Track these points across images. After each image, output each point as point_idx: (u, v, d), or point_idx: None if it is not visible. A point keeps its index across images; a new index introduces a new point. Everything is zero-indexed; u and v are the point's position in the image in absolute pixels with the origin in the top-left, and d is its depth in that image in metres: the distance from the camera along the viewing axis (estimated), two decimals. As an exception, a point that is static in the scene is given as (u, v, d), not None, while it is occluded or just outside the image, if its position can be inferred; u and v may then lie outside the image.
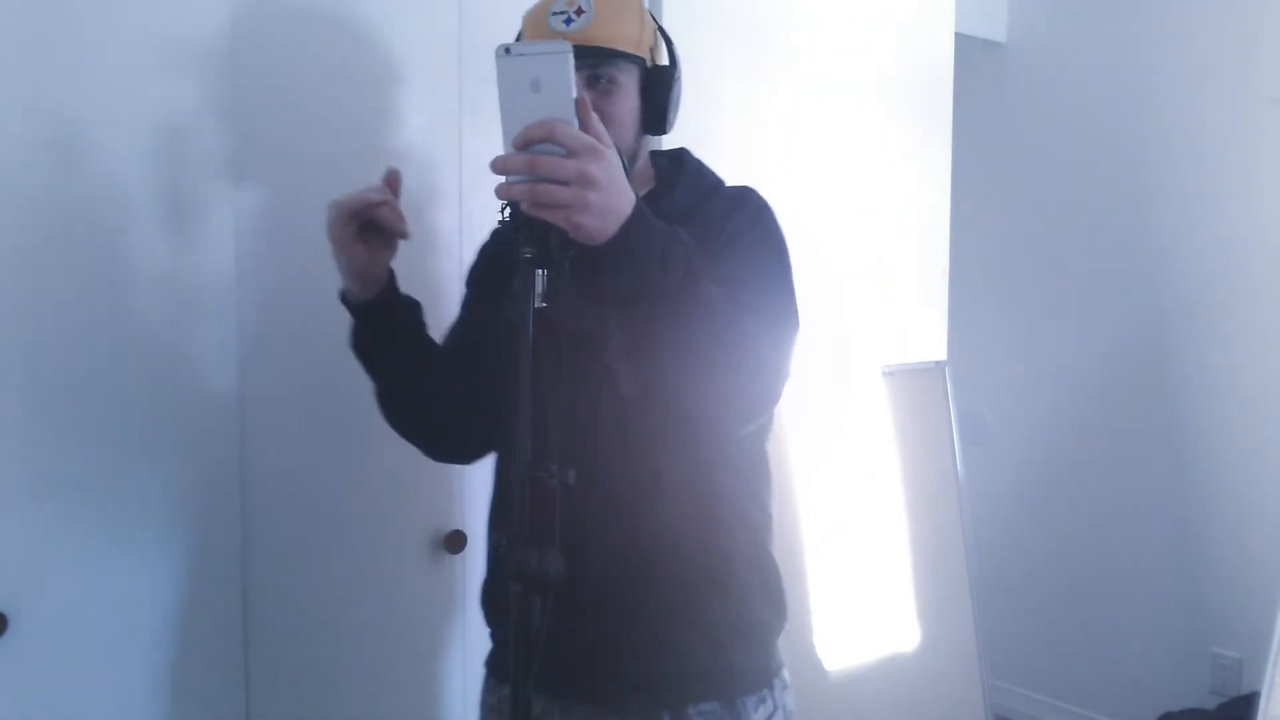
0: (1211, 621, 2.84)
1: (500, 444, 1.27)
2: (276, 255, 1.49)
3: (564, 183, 0.87)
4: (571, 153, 0.87)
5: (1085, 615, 3.10)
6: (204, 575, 1.44)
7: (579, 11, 1.13)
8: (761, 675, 1.22)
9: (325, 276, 1.53)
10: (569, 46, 0.88)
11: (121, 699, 1.38)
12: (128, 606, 1.38)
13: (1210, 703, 2.78)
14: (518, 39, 1.24)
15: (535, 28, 1.17)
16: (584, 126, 0.89)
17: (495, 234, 1.38)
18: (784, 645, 1.29)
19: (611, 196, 0.89)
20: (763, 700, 1.21)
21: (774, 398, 1.07)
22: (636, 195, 0.94)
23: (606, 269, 0.92)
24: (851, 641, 2.17)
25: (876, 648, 2.22)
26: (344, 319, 1.38)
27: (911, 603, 2.30)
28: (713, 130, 2.00)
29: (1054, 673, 3.17)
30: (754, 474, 1.24)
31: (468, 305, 1.35)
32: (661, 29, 1.25)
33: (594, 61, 1.13)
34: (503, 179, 0.89)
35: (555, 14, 1.14)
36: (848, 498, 2.21)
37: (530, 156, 0.86)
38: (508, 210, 1.12)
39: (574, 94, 0.88)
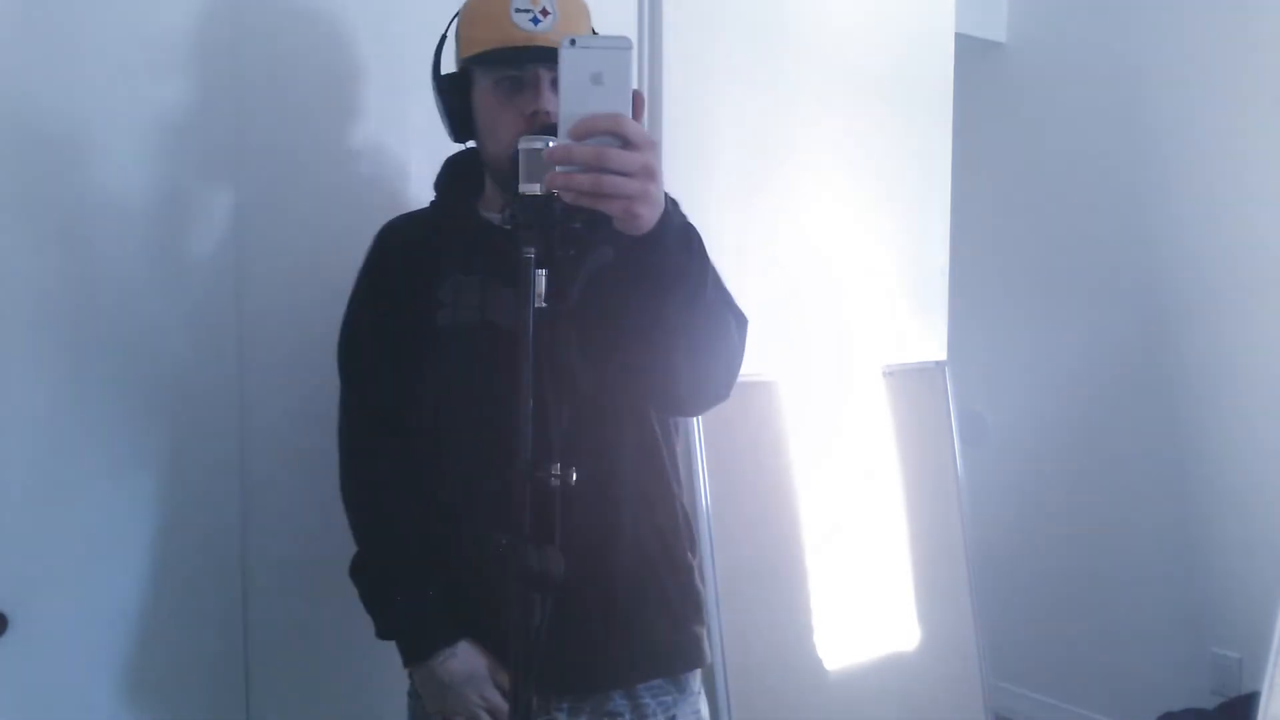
0: (1211, 621, 2.83)
1: (489, 442, 1.26)
2: (276, 254, 1.49)
3: (627, 174, 0.87)
4: (633, 145, 0.87)
5: (1085, 615, 3.10)
6: (204, 575, 1.45)
7: (544, 12, 1.15)
8: (703, 649, 1.30)
9: (325, 276, 1.54)
10: (630, 42, 0.88)
11: (121, 699, 1.39)
12: (128, 606, 1.38)
13: (1210, 703, 2.78)
14: (453, 20, 1.24)
15: (492, 21, 1.16)
16: (636, 119, 0.89)
17: (397, 225, 1.33)
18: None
19: (661, 188, 0.92)
20: (696, 675, 1.31)
21: (734, 380, 1.13)
22: None
23: (649, 256, 0.95)
24: (851, 641, 2.16)
25: (876, 648, 2.22)
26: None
27: (911, 603, 2.30)
28: (713, 130, 2.00)
29: (1054, 673, 3.17)
30: (672, 449, 1.32)
31: (379, 324, 1.28)
32: (595, 31, 1.27)
33: None
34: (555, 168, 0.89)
35: (520, 11, 1.14)
36: (848, 498, 2.21)
37: (600, 149, 0.86)
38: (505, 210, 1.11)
39: (632, 88, 0.89)
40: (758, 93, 2.07)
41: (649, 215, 0.91)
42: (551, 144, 0.88)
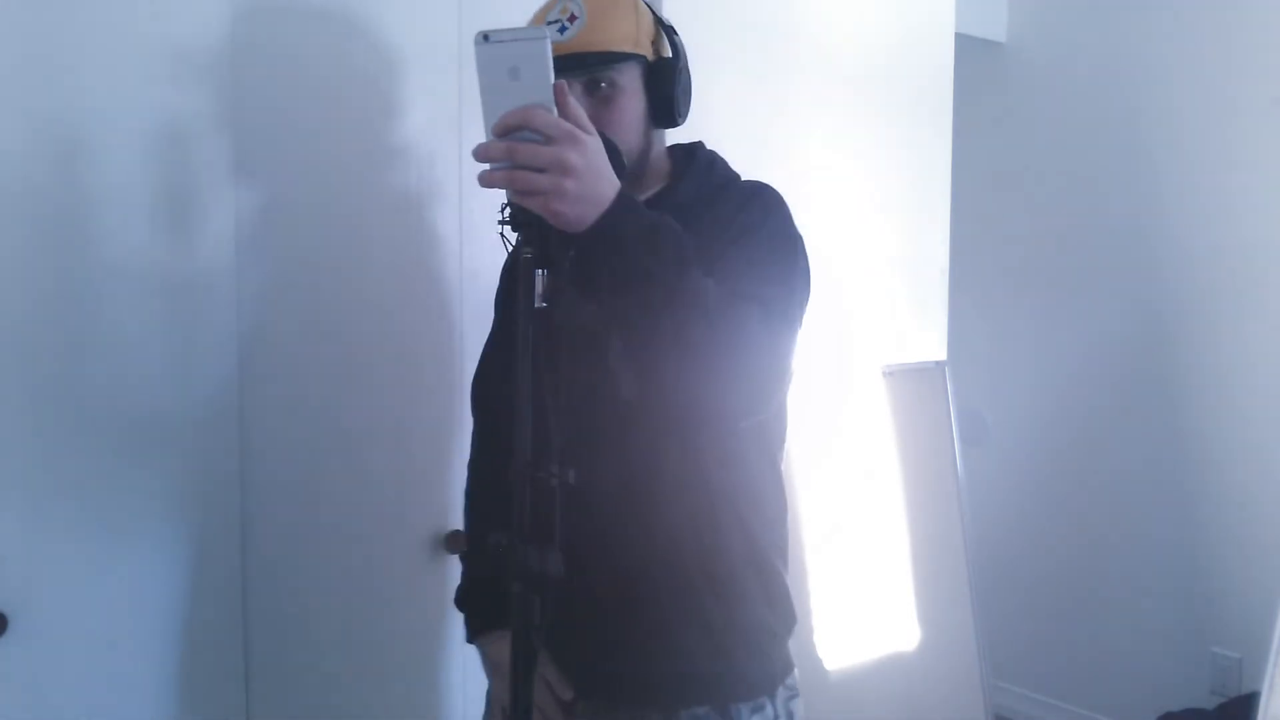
0: (1211, 621, 2.83)
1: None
2: (276, 255, 1.49)
3: (541, 170, 0.87)
4: (549, 139, 0.87)
5: (1085, 615, 3.10)
6: (204, 575, 1.44)
7: (572, 19, 1.13)
8: (762, 683, 1.20)
9: (325, 276, 1.54)
10: (545, 32, 0.88)
11: (121, 699, 1.38)
12: (128, 606, 1.38)
13: (1210, 703, 2.78)
14: None
15: None
16: (563, 112, 0.88)
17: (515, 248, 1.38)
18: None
19: (590, 183, 0.89)
20: (760, 708, 1.18)
21: (770, 392, 1.05)
22: (626, 188, 0.94)
23: (590, 257, 0.92)
24: (851, 641, 2.17)
25: (876, 648, 2.22)
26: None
27: (911, 603, 2.30)
28: (713, 130, 2.00)
29: (1054, 673, 3.17)
30: (756, 482, 1.22)
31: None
32: (662, 20, 1.23)
33: (591, 67, 1.12)
34: (485, 167, 0.89)
35: (550, 22, 1.14)
36: (848, 498, 2.21)
37: (509, 144, 0.87)
38: (506, 210, 1.12)
39: (552, 80, 0.87)
40: (757, 92, 2.07)
41: (572, 212, 0.88)
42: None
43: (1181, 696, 2.83)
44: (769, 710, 1.19)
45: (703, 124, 2.00)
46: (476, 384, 1.40)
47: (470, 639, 1.31)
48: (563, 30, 1.12)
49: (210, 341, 1.44)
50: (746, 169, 2.15)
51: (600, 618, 1.14)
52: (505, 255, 1.21)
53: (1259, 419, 2.73)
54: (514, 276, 1.29)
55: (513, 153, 0.87)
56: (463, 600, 1.33)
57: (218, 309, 1.44)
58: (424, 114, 1.61)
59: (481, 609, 1.30)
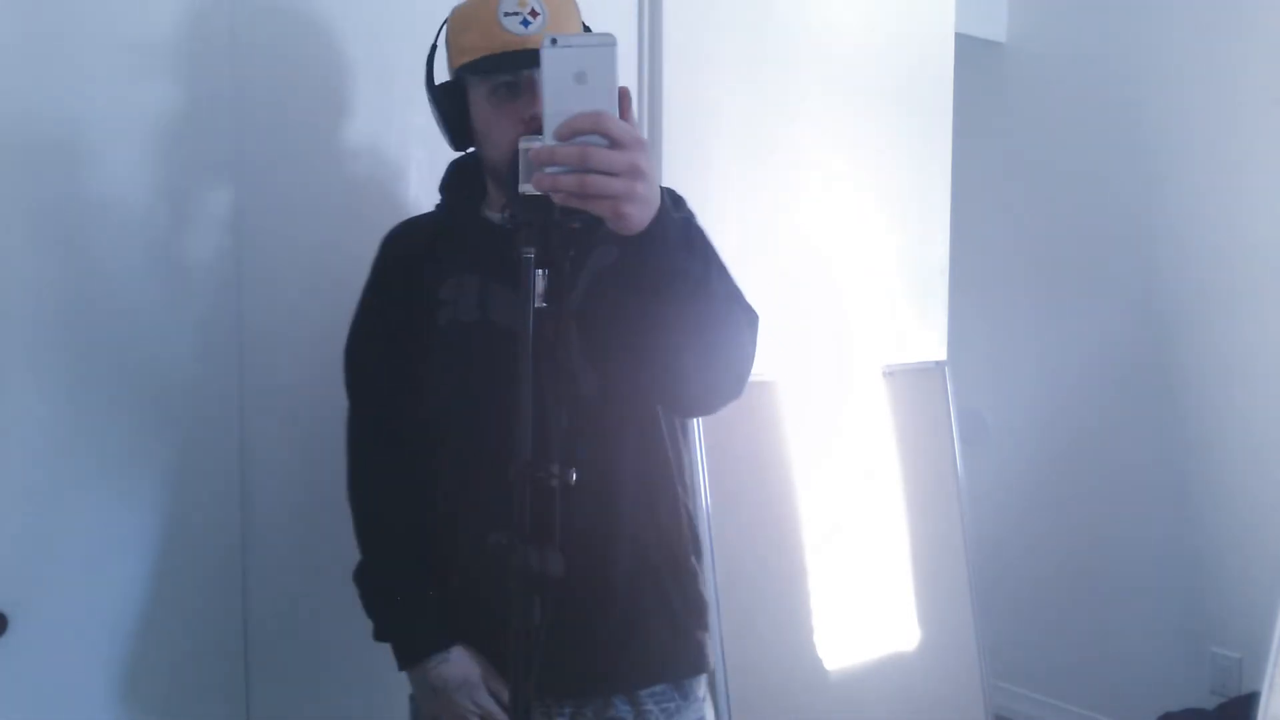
0: (1211, 621, 2.83)
1: (486, 441, 1.26)
2: (277, 253, 1.49)
3: (613, 174, 0.86)
4: (619, 144, 0.86)
5: (1085, 615, 3.10)
6: (204, 575, 1.45)
7: (533, 14, 1.12)
8: (707, 655, 1.29)
9: (325, 275, 1.54)
10: (614, 39, 0.87)
11: (121, 699, 1.39)
12: (128, 606, 1.38)
13: (1210, 703, 2.78)
14: (442, 28, 1.23)
15: (481, 27, 1.15)
16: (623, 118, 0.88)
17: (401, 231, 1.34)
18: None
19: (655, 187, 0.90)
20: (700, 681, 1.29)
21: (747, 377, 1.11)
22: None
23: (646, 256, 0.93)
24: (851, 641, 2.16)
25: (876, 648, 2.22)
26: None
27: (911, 603, 2.30)
28: (713, 129, 2.00)
29: (1054, 673, 3.17)
30: (683, 457, 1.30)
31: (388, 332, 1.29)
32: (587, 27, 1.25)
33: None
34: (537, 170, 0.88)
35: (509, 14, 1.13)
36: (848, 498, 2.21)
37: (582, 148, 0.85)
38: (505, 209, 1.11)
39: (618, 86, 0.87)
40: (757, 92, 2.07)
41: (638, 215, 0.89)
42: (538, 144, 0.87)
43: (1181, 696, 2.83)
44: (704, 685, 1.30)
45: (702, 123, 2.01)
46: (358, 363, 1.32)
47: (406, 666, 1.26)
48: (525, 24, 1.12)
49: (211, 342, 1.44)
50: (746, 169, 2.16)
51: (574, 615, 1.14)
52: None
53: (1259, 419, 2.73)
54: (415, 254, 1.28)
55: (587, 157, 0.85)
56: (391, 630, 1.28)
57: (218, 309, 1.44)
58: (424, 115, 1.61)
59: (414, 634, 1.26)
